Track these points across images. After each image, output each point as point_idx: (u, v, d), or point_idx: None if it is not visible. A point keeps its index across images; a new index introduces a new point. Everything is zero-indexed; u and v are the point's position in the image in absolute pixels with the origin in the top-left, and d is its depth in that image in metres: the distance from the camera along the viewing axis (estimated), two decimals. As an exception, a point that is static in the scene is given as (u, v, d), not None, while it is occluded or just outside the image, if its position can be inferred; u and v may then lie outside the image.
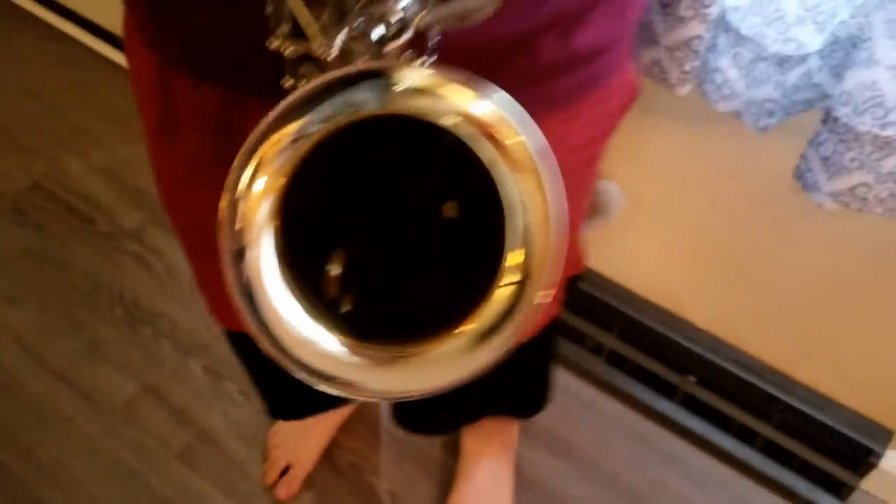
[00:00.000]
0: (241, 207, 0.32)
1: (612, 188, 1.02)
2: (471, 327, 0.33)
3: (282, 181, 0.32)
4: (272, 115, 0.31)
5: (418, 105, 0.31)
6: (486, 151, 0.31)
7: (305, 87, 0.31)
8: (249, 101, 0.51)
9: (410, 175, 0.36)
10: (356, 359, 0.34)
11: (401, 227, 0.37)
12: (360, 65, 0.32)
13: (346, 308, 0.35)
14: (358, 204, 0.37)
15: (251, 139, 0.32)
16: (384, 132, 0.33)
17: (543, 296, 0.33)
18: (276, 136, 0.31)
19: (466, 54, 0.37)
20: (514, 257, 0.32)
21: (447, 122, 0.31)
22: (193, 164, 0.61)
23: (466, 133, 0.31)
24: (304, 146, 0.31)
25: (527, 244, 0.32)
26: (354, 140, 0.32)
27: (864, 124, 0.71)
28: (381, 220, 0.37)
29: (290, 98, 0.31)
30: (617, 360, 1.21)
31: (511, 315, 0.33)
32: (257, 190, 0.32)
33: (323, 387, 0.34)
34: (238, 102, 0.53)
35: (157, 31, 0.55)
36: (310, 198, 0.34)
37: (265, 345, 0.33)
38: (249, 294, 0.33)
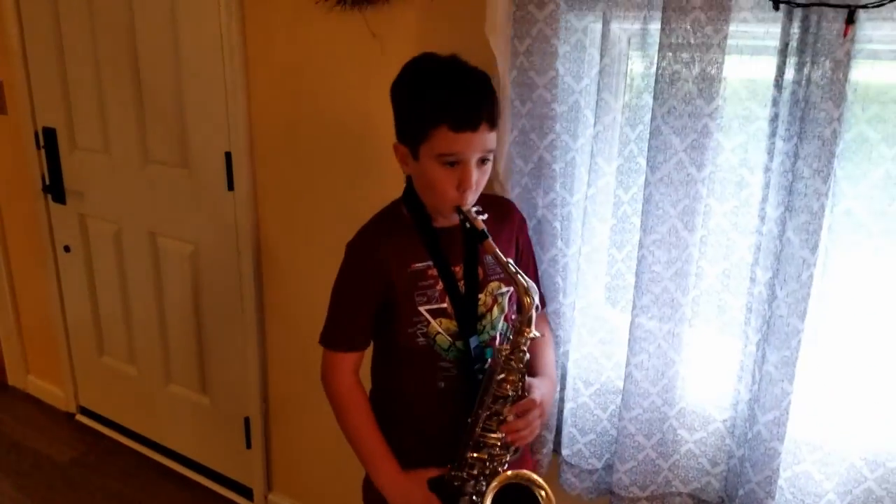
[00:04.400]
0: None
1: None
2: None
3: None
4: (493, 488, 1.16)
5: (534, 482, 1.19)
6: (542, 500, 1.18)
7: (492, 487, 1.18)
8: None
9: (521, 494, 1.18)
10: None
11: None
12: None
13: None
14: (510, 496, 1.17)
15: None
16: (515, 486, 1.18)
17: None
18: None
19: None
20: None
21: (540, 493, 1.18)
22: None
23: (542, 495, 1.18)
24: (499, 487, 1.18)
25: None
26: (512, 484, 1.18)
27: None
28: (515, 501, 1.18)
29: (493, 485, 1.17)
30: None
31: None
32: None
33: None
34: None
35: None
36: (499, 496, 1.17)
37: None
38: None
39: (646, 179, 1.20)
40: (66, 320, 2.65)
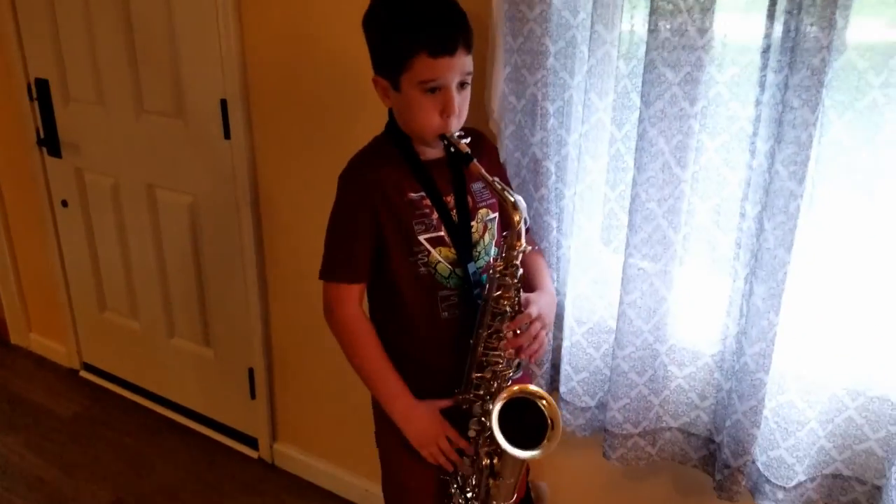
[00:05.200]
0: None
1: (542, 486, 1.74)
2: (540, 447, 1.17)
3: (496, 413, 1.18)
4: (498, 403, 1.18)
5: (535, 394, 1.19)
6: (545, 410, 1.19)
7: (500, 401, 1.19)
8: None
9: (525, 408, 1.18)
10: (516, 450, 1.16)
11: (524, 420, 1.18)
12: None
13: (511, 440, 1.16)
14: (515, 412, 1.18)
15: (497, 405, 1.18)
16: (523, 399, 1.19)
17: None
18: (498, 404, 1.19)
19: None
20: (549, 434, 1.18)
21: (542, 403, 1.19)
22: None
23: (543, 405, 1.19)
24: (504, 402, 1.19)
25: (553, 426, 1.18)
26: (515, 399, 1.19)
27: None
28: (520, 416, 1.18)
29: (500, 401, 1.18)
30: None
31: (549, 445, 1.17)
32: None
33: (513, 451, 1.16)
34: None
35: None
36: (504, 412, 1.17)
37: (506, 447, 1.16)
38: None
39: (640, 115, 1.21)
40: (67, 276, 2.67)
